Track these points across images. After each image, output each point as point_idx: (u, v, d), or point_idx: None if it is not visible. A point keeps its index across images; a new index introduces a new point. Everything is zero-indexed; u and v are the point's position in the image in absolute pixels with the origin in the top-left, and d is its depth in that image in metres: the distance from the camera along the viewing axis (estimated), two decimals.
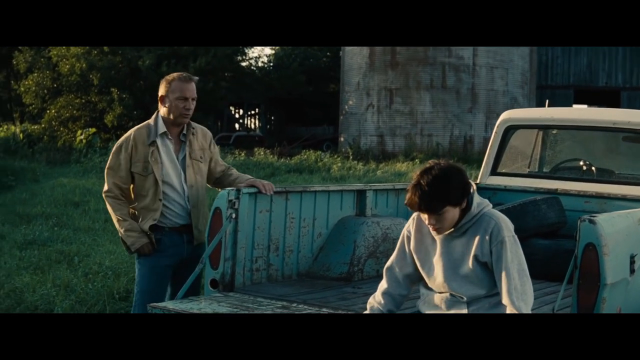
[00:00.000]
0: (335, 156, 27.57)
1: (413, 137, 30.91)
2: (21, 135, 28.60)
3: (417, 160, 26.24)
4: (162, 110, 5.74)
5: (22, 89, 32.88)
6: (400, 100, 31.50)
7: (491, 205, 4.24)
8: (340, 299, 5.41)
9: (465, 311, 4.17)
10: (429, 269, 4.28)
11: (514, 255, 4.03)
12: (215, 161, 5.99)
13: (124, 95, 30.43)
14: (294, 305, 5.11)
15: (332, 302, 5.31)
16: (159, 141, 5.69)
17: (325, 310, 4.97)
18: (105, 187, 5.71)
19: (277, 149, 31.03)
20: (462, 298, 4.17)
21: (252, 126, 48.53)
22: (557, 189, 7.10)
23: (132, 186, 5.72)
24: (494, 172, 7.68)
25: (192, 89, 5.72)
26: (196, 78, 5.81)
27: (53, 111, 31.41)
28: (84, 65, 30.48)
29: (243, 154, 26.55)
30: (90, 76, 30.61)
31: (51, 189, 17.52)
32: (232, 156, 26.18)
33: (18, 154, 25.78)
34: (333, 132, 39.29)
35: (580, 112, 7.55)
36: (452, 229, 4.15)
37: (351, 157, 28.38)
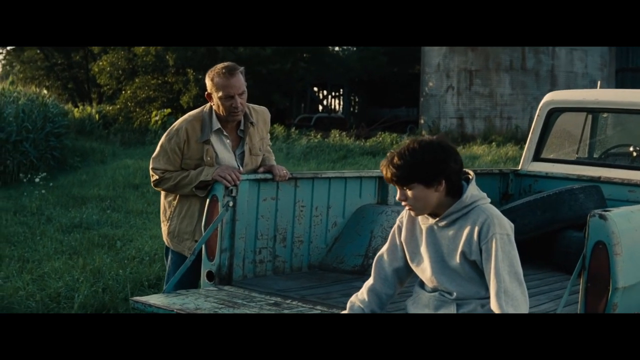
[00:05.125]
0: None
1: (492, 120, 30.18)
2: (97, 116, 28.67)
3: (494, 143, 25.46)
4: (213, 105, 5.27)
5: (96, 69, 33.00)
6: (479, 82, 30.79)
7: (489, 201, 3.77)
8: (344, 295, 4.98)
9: (453, 312, 3.74)
10: (418, 261, 3.87)
11: (506, 256, 3.56)
12: (265, 145, 5.59)
13: (200, 76, 30.27)
14: (288, 301, 4.74)
15: (333, 298, 4.93)
16: (213, 138, 5.25)
17: (318, 309, 4.59)
18: (156, 177, 5.25)
19: (353, 131, 30.56)
20: (452, 295, 3.74)
21: (336, 108, 48.10)
22: (600, 177, 6.57)
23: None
24: (536, 157, 7.18)
25: (235, 84, 5.11)
26: (241, 68, 5.22)
27: (129, 92, 31.42)
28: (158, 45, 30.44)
29: (318, 136, 26.11)
30: (166, 57, 30.54)
31: (113, 170, 17.45)
32: (307, 138, 25.80)
33: (93, 135, 25.89)
34: (416, 114, 38.64)
35: (628, 94, 6.94)
36: (438, 219, 3.74)
37: None
